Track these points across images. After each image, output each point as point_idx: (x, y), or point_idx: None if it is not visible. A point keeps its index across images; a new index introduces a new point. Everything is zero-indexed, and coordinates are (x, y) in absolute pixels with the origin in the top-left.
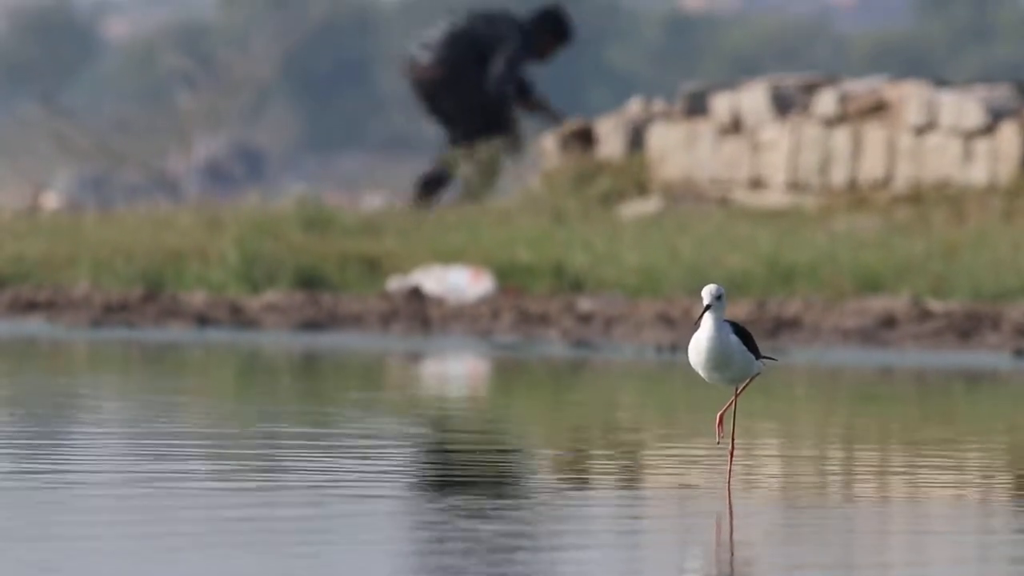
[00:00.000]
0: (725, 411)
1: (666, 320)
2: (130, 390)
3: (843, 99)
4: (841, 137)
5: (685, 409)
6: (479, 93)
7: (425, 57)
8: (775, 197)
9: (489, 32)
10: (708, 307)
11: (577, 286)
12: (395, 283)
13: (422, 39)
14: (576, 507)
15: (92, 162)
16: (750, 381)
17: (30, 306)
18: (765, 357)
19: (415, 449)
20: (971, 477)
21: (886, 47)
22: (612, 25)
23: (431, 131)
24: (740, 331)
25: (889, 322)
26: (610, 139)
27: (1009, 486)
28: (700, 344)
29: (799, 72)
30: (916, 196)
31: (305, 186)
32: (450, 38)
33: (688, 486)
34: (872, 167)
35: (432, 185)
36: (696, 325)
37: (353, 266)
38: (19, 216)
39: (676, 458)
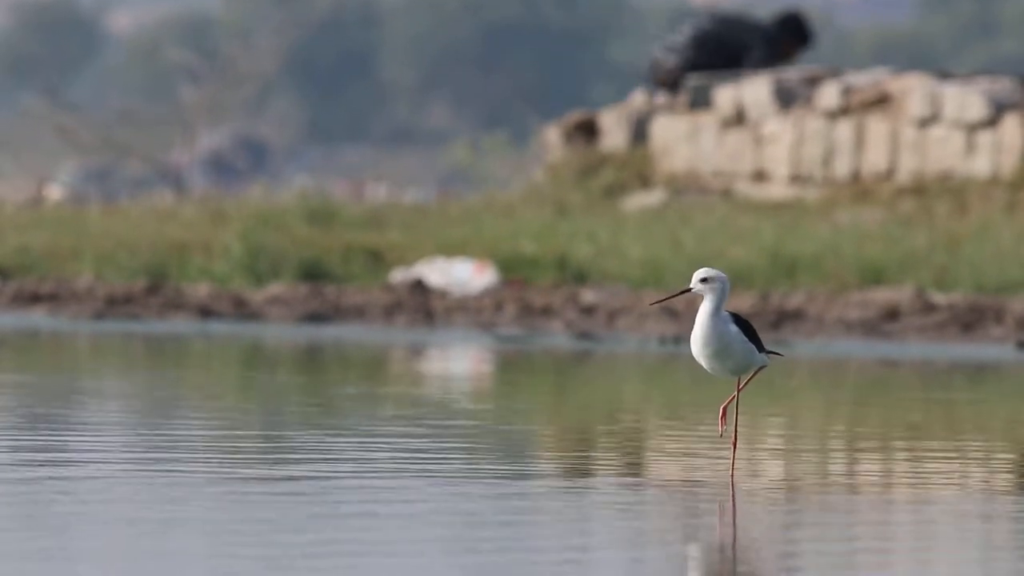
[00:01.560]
0: (728, 404)
1: (669, 312)
2: (133, 382)
3: (846, 92)
4: (844, 129)
5: (688, 401)
6: None
7: (670, 59)
8: (778, 189)
9: (734, 37)
10: (687, 290)
11: (581, 278)
12: (399, 275)
13: (667, 42)
14: (578, 498)
15: (96, 155)
16: (755, 374)
17: (34, 298)
18: (771, 352)
19: (414, 442)
20: (974, 469)
21: (889, 40)
22: (617, 19)
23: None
24: (741, 322)
25: (892, 314)
26: (614, 131)
27: (1012, 478)
28: (696, 331)
29: (802, 65)
30: (919, 188)
31: (308, 178)
32: (695, 41)
33: (691, 477)
34: (875, 159)
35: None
36: (661, 301)
37: (357, 258)
38: (23, 208)
39: (679, 449)
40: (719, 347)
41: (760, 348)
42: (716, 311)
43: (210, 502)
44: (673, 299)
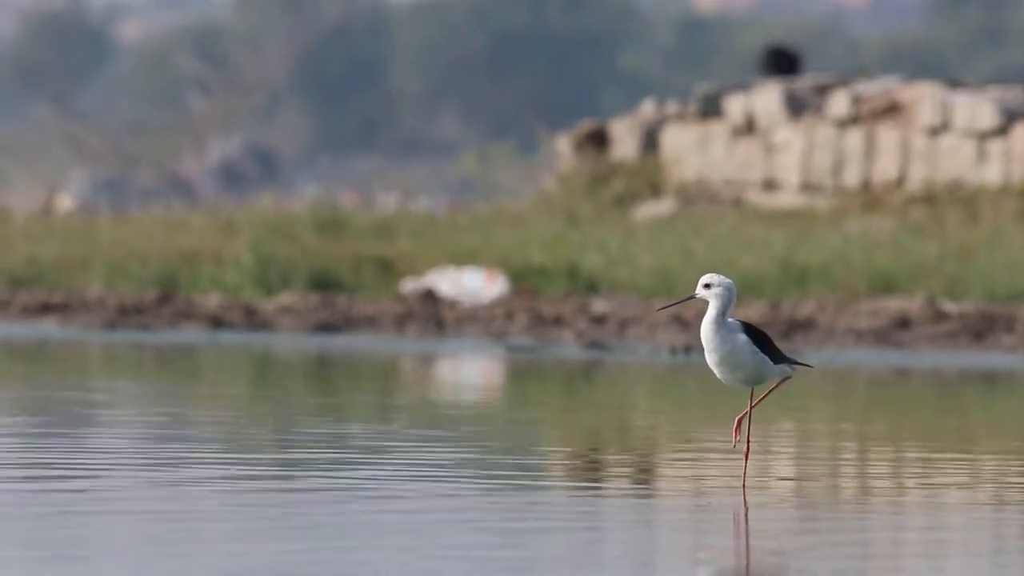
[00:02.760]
0: (743, 416)
1: (679, 322)
2: (144, 393)
3: (856, 100)
4: (854, 138)
5: (699, 411)
6: None
7: None
8: (789, 198)
9: None
10: (690, 297)
11: (591, 287)
12: (409, 285)
13: None
14: (588, 509)
15: (106, 164)
16: (776, 386)
17: (44, 308)
18: (797, 363)
19: (425, 452)
20: (985, 477)
21: (899, 49)
22: (625, 27)
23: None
24: (753, 333)
25: (903, 323)
26: (624, 141)
27: (1023, 486)
28: (702, 337)
29: (812, 74)
30: (930, 197)
31: (319, 187)
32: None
33: (702, 488)
34: (885, 168)
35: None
36: (667, 307)
37: (367, 268)
38: (33, 219)
39: (690, 460)
40: (724, 354)
41: (778, 359)
42: (720, 317)
43: (221, 510)
44: (683, 307)
